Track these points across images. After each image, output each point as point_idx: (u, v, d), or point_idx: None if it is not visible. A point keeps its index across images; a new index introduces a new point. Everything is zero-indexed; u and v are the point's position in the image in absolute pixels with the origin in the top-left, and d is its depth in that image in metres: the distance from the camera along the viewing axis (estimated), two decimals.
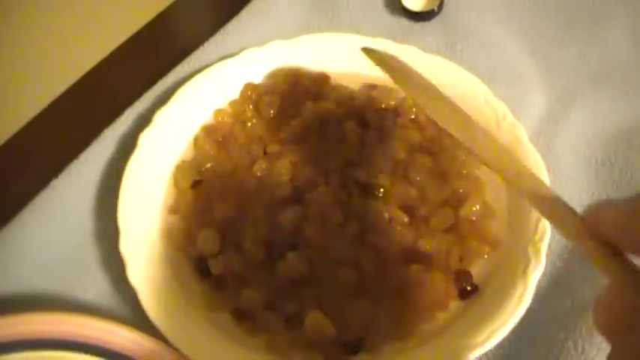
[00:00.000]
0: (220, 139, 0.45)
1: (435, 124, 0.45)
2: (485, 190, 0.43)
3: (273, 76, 0.48)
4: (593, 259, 0.26)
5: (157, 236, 0.41)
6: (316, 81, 0.47)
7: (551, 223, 0.34)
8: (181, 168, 0.44)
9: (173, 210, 0.42)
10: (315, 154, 0.43)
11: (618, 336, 0.25)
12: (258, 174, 0.42)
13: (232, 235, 0.40)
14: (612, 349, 0.25)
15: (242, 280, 0.39)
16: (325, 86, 0.47)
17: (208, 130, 0.45)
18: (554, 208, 0.30)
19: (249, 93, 0.46)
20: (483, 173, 0.43)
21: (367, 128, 0.44)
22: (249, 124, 0.45)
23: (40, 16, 0.48)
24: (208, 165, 0.44)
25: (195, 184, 0.43)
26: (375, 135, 0.44)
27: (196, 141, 0.45)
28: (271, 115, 0.45)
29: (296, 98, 0.46)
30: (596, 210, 0.26)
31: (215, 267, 0.39)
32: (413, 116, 0.45)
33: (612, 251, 0.25)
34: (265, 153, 0.43)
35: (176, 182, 0.43)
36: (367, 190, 0.41)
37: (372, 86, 0.47)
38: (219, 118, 0.46)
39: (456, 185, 0.42)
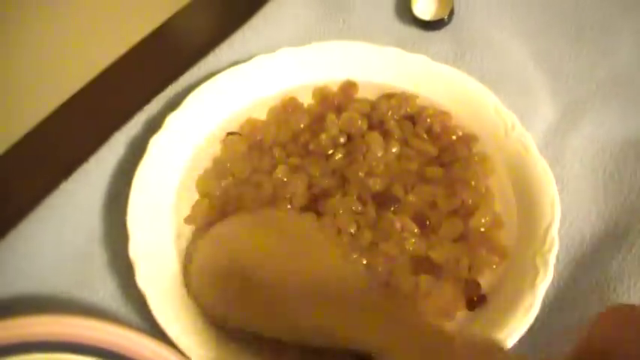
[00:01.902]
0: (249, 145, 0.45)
1: (449, 133, 0.45)
2: (495, 201, 0.43)
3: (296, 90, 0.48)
4: None
5: (167, 241, 0.41)
6: (343, 90, 0.48)
7: None
8: (208, 173, 0.44)
9: (189, 220, 0.42)
10: (335, 167, 0.43)
11: None
12: (280, 176, 0.43)
13: None
14: None
15: None
16: (352, 94, 0.48)
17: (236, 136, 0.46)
18: None
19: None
20: (493, 184, 0.44)
21: (389, 138, 0.44)
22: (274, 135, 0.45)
23: (51, 18, 0.48)
24: (233, 171, 0.44)
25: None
26: (396, 145, 0.44)
27: (226, 145, 0.45)
28: (300, 128, 0.46)
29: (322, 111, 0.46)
30: None
31: None
32: (429, 120, 0.45)
33: None
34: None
35: (201, 188, 0.43)
36: (381, 200, 0.41)
37: (391, 95, 0.47)
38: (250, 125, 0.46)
39: (465, 196, 0.42)
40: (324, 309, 0.33)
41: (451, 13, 0.52)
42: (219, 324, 0.38)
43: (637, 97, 0.50)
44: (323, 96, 0.47)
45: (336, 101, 0.47)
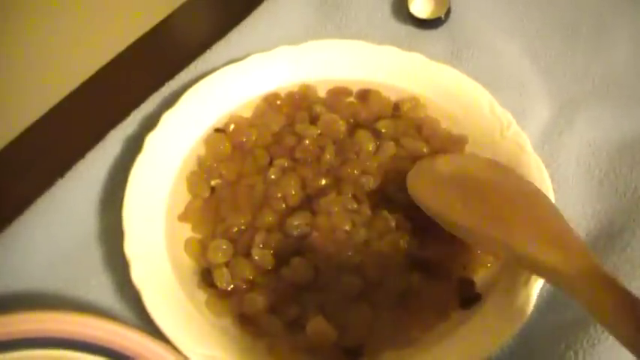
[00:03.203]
0: (233, 144, 0.45)
1: (439, 132, 0.45)
2: None
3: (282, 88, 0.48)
4: None
5: (162, 238, 0.41)
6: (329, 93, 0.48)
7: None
8: (196, 175, 0.44)
9: (183, 218, 0.42)
10: (329, 167, 0.43)
11: None
12: (273, 177, 0.43)
13: (243, 242, 0.41)
14: None
15: (248, 285, 0.39)
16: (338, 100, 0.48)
17: (220, 134, 0.45)
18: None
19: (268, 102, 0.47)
20: None
21: (381, 138, 0.45)
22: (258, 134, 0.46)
23: (48, 16, 0.48)
24: (221, 172, 0.44)
25: (211, 192, 0.43)
26: (389, 144, 0.44)
27: (209, 144, 0.45)
28: (275, 131, 0.46)
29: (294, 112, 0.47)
30: None
31: (220, 280, 0.40)
32: (421, 115, 0.46)
33: None
34: (271, 164, 0.44)
35: (191, 189, 0.43)
36: (376, 199, 0.41)
37: (366, 91, 0.48)
38: (235, 123, 0.46)
39: None
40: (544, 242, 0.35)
41: (448, 12, 0.53)
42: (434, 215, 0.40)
43: (633, 97, 0.50)
44: (291, 96, 0.47)
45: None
